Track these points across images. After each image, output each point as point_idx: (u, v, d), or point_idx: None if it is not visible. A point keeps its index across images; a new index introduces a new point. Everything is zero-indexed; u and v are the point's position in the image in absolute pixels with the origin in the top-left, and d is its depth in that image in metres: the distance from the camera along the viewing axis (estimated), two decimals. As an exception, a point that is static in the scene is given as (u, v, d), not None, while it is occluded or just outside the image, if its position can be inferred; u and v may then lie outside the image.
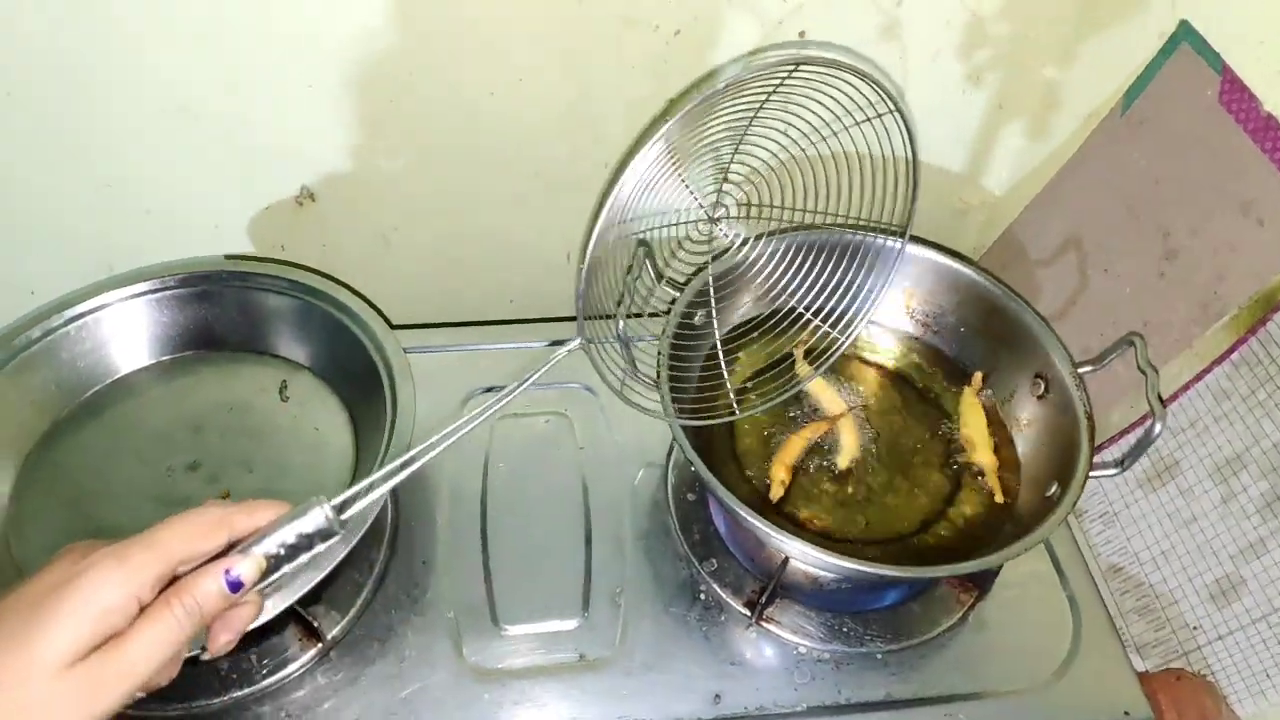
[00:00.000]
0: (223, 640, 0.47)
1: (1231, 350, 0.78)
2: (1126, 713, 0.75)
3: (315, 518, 0.47)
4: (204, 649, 0.45)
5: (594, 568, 0.82)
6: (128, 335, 0.87)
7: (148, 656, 0.41)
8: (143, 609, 0.42)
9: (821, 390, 0.91)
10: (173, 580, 0.44)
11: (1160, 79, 0.84)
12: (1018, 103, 0.98)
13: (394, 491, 0.85)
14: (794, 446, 0.86)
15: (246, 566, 0.45)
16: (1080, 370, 0.82)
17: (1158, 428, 0.72)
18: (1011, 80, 0.96)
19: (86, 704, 0.39)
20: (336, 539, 0.48)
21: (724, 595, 0.81)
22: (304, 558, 0.48)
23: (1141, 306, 0.86)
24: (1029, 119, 0.99)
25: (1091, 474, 0.74)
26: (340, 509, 0.48)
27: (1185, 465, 0.82)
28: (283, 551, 0.47)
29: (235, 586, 0.44)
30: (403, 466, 0.53)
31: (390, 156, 0.92)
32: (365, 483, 0.51)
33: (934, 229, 1.10)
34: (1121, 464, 0.75)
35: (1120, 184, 0.88)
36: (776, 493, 0.82)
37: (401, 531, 0.84)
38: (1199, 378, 0.81)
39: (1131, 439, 0.85)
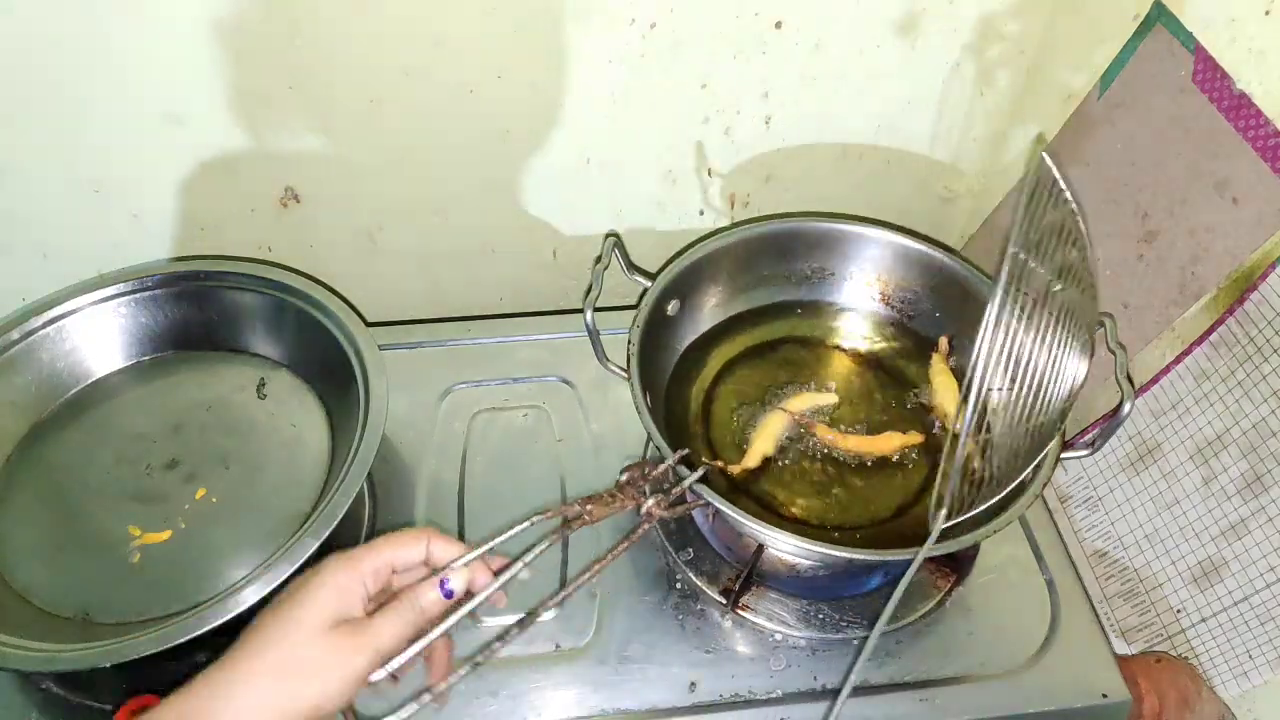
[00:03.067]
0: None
1: (1210, 331, 0.78)
2: (1104, 695, 0.75)
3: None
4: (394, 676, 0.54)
5: (570, 559, 0.82)
6: (106, 336, 0.88)
7: (385, 633, 0.53)
8: (374, 603, 0.55)
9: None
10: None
11: (1135, 61, 0.84)
12: (999, 89, 0.98)
13: (372, 485, 0.86)
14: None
15: (457, 577, 0.56)
16: (1053, 352, 0.81)
17: (1126, 407, 0.71)
18: (993, 67, 0.95)
19: (341, 662, 0.51)
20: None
21: (700, 584, 0.81)
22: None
23: (1122, 288, 0.85)
24: (1010, 104, 0.99)
25: (1064, 455, 0.74)
26: None
27: (1167, 448, 0.82)
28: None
29: (449, 594, 0.56)
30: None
31: (373, 156, 0.92)
32: None
33: (921, 217, 1.10)
34: (1093, 445, 0.74)
35: (1099, 167, 0.87)
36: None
37: (379, 525, 0.84)
38: (1179, 359, 0.80)
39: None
